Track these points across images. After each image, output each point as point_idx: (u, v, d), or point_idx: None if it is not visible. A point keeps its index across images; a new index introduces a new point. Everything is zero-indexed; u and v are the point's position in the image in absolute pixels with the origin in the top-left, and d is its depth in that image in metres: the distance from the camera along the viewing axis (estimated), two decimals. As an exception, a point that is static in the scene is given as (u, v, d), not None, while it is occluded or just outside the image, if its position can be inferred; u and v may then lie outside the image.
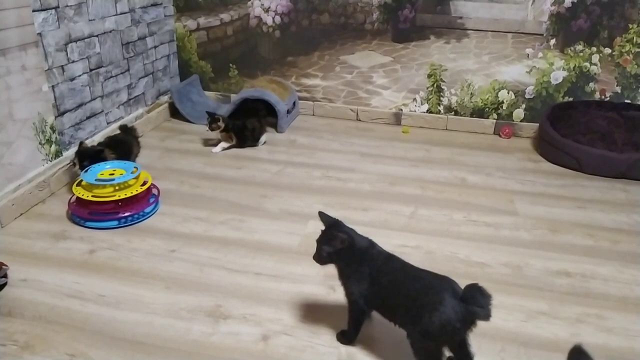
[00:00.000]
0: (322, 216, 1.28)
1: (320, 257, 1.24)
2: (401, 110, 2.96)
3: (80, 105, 2.21)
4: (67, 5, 2.05)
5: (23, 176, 1.91)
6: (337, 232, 1.22)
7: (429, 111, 2.93)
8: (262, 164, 2.40)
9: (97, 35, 2.26)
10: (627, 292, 1.59)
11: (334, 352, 1.32)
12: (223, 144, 2.53)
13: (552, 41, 2.65)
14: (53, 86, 2.03)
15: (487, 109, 2.85)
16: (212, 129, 2.45)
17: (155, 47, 2.78)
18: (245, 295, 1.52)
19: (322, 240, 1.24)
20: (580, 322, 1.45)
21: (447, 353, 1.18)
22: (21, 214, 1.88)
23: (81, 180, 1.87)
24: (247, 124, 2.53)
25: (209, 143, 2.59)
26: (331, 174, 2.32)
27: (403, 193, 2.17)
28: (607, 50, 2.60)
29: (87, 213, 1.82)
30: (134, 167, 1.92)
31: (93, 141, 2.25)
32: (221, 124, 2.44)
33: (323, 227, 1.27)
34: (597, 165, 2.37)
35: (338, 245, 1.21)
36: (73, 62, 2.13)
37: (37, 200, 1.96)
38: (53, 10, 1.98)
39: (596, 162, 2.36)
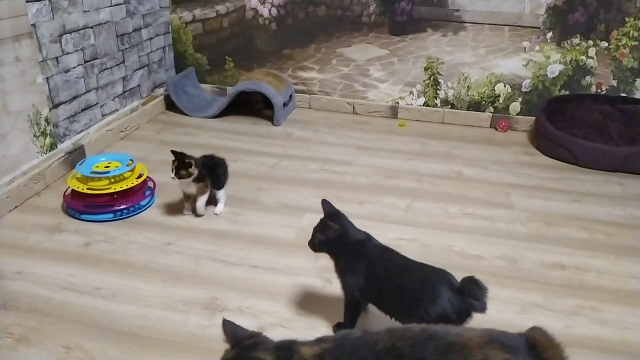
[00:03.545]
0: (325, 205, 1.30)
1: (313, 244, 1.27)
2: (398, 103, 2.96)
3: (75, 97, 2.20)
4: (61, -4, 2.03)
5: (17, 169, 1.90)
6: (330, 222, 1.23)
7: (425, 104, 2.93)
8: (258, 157, 2.39)
9: (91, 27, 2.24)
10: (621, 285, 1.60)
11: (330, 344, 1.32)
12: (202, 199, 1.82)
13: (549, 34, 2.65)
14: (47, 78, 2.02)
15: (484, 102, 2.85)
16: (180, 177, 1.71)
17: (150, 39, 2.76)
18: (241, 287, 1.52)
19: (317, 228, 1.27)
20: (574, 314, 1.46)
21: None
22: (16, 207, 1.87)
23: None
24: (217, 161, 1.88)
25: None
26: (327, 167, 2.32)
27: (399, 186, 2.17)
28: (604, 44, 2.60)
29: (82, 206, 1.81)
30: (130, 159, 1.91)
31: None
32: (193, 169, 1.72)
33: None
34: (592, 159, 2.37)
35: (330, 234, 1.24)
36: (67, 53, 2.11)
37: (32, 193, 1.95)
38: (47, 1, 1.96)
39: (592, 155, 2.37)
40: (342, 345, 0.90)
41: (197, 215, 1.86)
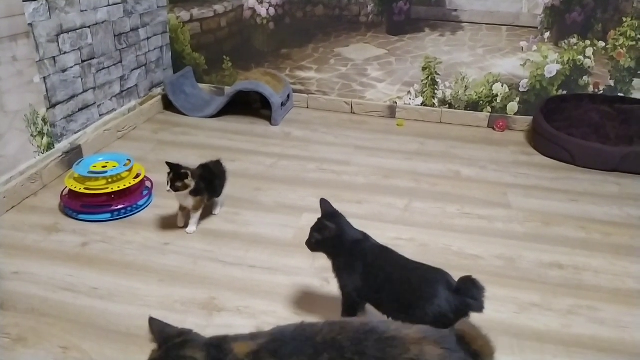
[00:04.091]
0: (323, 204, 1.31)
1: (310, 244, 1.28)
2: (396, 103, 2.96)
3: (72, 97, 2.19)
4: (59, -4, 2.03)
5: (15, 168, 1.90)
6: (327, 222, 1.24)
7: (423, 104, 2.93)
8: (256, 157, 2.39)
9: (89, 26, 2.24)
10: (618, 284, 1.60)
11: (327, 344, 1.32)
12: (196, 216, 1.76)
13: (547, 34, 2.65)
14: (45, 77, 2.01)
15: (482, 102, 2.85)
16: (175, 189, 1.64)
17: (148, 38, 2.76)
18: (239, 287, 1.52)
19: (314, 227, 1.27)
20: (572, 314, 1.46)
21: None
22: (13, 207, 1.87)
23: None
24: (214, 170, 1.80)
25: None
26: (325, 167, 2.31)
27: (397, 186, 2.17)
28: (601, 44, 2.61)
29: (79, 206, 1.81)
30: (127, 159, 1.91)
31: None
32: (190, 181, 1.65)
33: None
34: (590, 159, 2.38)
35: (326, 234, 1.24)
36: (65, 53, 2.11)
37: (29, 193, 1.95)
38: (44, 1, 1.95)
39: (589, 155, 2.37)
40: (279, 339, 0.89)
41: (187, 232, 1.76)
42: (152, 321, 0.91)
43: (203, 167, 1.77)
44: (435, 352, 0.84)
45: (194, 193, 1.69)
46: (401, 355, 0.84)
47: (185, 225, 1.78)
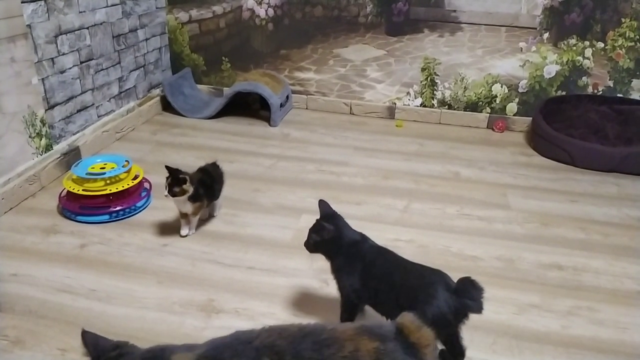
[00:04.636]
0: (322, 205, 1.30)
1: (308, 245, 1.28)
2: (395, 104, 2.96)
3: (70, 98, 2.19)
4: (57, -3, 2.03)
5: (13, 170, 1.89)
6: (325, 223, 1.24)
7: (422, 105, 2.93)
8: (255, 158, 2.39)
9: (87, 28, 2.24)
10: (617, 285, 1.60)
11: (326, 346, 1.31)
12: (194, 221, 1.75)
13: (546, 35, 2.65)
14: (43, 79, 2.01)
15: (481, 102, 2.85)
16: (173, 195, 1.60)
17: (146, 39, 2.75)
18: (237, 289, 1.51)
19: (312, 229, 1.27)
20: (571, 315, 1.46)
21: (439, 346, 1.19)
22: (11, 208, 1.86)
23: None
24: (212, 173, 1.77)
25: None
26: (324, 168, 2.31)
27: (396, 187, 2.17)
28: (600, 45, 2.61)
29: (78, 207, 1.81)
30: (126, 160, 1.91)
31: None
32: (188, 186, 1.61)
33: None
34: (589, 159, 2.38)
35: (324, 235, 1.24)
36: (63, 54, 2.10)
37: (27, 194, 1.94)
38: (42, 2, 1.95)
39: (588, 156, 2.37)
40: (217, 346, 0.89)
41: (187, 234, 1.75)
42: (85, 334, 0.89)
43: (202, 171, 1.74)
44: (370, 346, 0.85)
45: (192, 199, 1.65)
46: (337, 354, 0.85)
47: (189, 230, 1.77)
